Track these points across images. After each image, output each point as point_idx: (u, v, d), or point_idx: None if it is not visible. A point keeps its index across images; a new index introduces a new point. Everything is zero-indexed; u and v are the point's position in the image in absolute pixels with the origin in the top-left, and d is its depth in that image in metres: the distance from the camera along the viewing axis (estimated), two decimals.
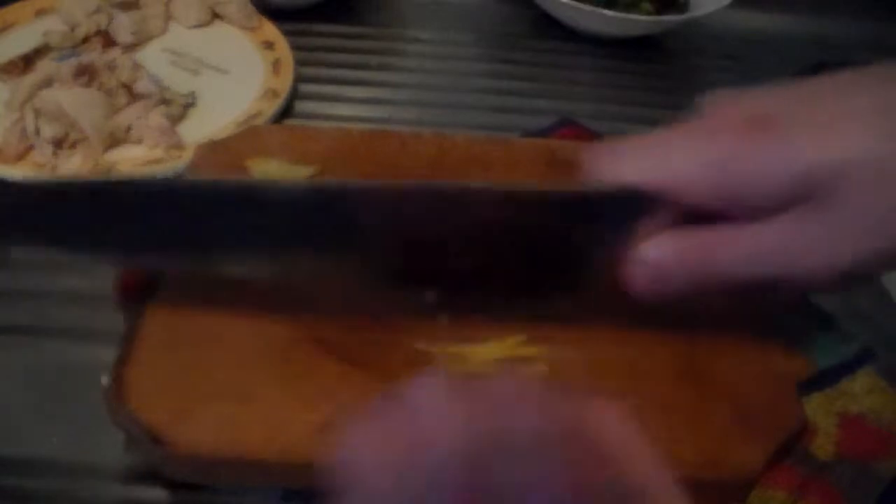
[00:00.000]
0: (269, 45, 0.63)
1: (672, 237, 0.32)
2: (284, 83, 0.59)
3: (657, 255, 0.32)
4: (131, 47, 0.61)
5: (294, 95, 0.60)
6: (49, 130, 0.51)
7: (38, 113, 0.51)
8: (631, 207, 0.32)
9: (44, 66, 0.57)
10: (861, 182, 0.29)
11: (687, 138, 0.31)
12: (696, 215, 0.32)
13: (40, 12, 0.64)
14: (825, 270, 0.31)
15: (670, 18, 0.67)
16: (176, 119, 0.55)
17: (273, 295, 0.40)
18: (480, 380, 0.25)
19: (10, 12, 0.63)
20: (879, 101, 0.31)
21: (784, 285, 0.32)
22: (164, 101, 0.55)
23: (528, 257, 0.35)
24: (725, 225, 0.32)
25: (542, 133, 0.55)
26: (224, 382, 0.36)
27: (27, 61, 0.58)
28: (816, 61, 0.72)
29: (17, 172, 0.50)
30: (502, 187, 0.33)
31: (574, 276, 0.35)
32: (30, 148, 0.51)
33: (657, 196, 0.31)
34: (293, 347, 0.37)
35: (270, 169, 0.46)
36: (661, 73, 0.68)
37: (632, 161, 0.32)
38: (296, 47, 0.63)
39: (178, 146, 0.53)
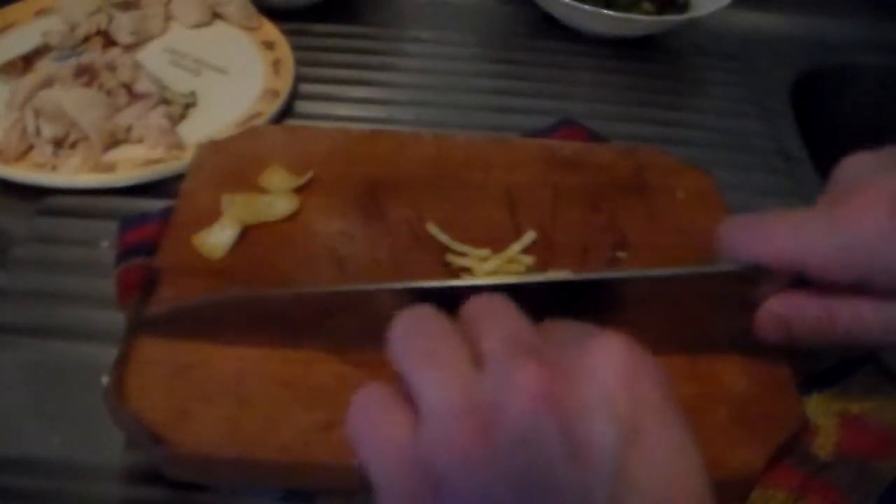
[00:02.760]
0: (269, 45, 0.63)
1: (799, 297, 0.33)
2: (284, 83, 0.59)
3: (782, 312, 0.33)
4: (131, 47, 0.61)
5: (294, 95, 0.60)
6: (49, 130, 0.51)
7: (38, 113, 0.51)
8: (759, 276, 0.33)
9: (44, 66, 0.58)
10: None
11: (828, 219, 0.31)
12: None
13: (40, 12, 0.64)
14: None
15: (670, 18, 0.67)
16: (176, 119, 0.55)
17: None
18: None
19: (10, 12, 0.63)
20: None
21: None
22: (164, 101, 0.55)
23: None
24: (854, 296, 0.32)
25: (542, 133, 0.55)
26: (224, 382, 0.36)
27: (27, 61, 0.58)
28: (816, 61, 0.72)
29: (17, 172, 0.50)
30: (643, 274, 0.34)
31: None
32: (30, 148, 0.51)
33: (787, 271, 0.32)
34: (293, 348, 0.37)
35: (274, 180, 0.46)
36: (661, 73, 0.68)
37: (767, 239, 0.32)
38: (296, 47, 0.63)
39: (178, 146, 0.53)
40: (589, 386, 0.23)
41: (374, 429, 0.24)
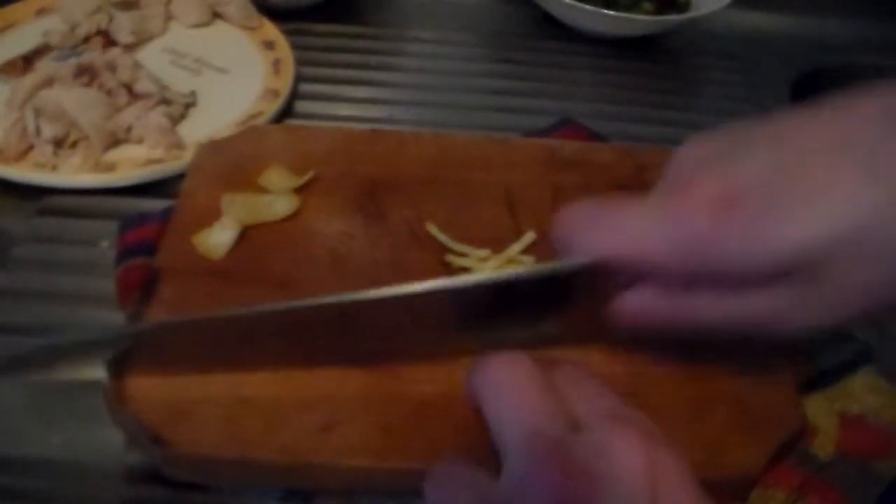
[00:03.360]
0: (269, 45, 0.63)
1: (642, 295, 0.33)
2: (284, 83, 0.59)
3: (628, 309, 0.34)
4: (131, 47, 0.61)
5: (294, 95, 0.60)
6: (49, 130, 0.51)
7: (38, 113, 0.51)
8: (605, 272, 0.33)
9: (44, 66, 0.57)
10: (841, 258, 0.29)
11: (654, 214, 0.31)
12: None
13: (40, 12, 0.64)
14: (806, 331, 0.32)
15: (670, 18, 0.67)
16: (176, 119, 0.55)
17: (275, 297, 0.40)
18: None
19: (10, 12, 0.63)
20: (860, 166, 0.29)
21: (763, 335, 0.33)
22: (165, 101, 0.55)
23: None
24: (704, 291, 0.32)
25: (542, 133, 0.55)
26: (224, 382, 0.36)
27: (27, 61, 0.58)
28: (816, 61, 0.72)
29: (17, 172, 0.50)
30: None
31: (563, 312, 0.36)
32: (30, 148, 0.51)
33: (627, 266, 0.32)
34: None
35: (274, 180, 0.46)
36: (661, 73, 0.68)
37: (599, 234, 0.32)
38: (296, 47, 0.63)
39: (179, 146, 0.53)
40: (607, 494, 0.25)
41: None
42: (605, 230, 0.32)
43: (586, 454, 0.26)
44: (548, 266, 0.34)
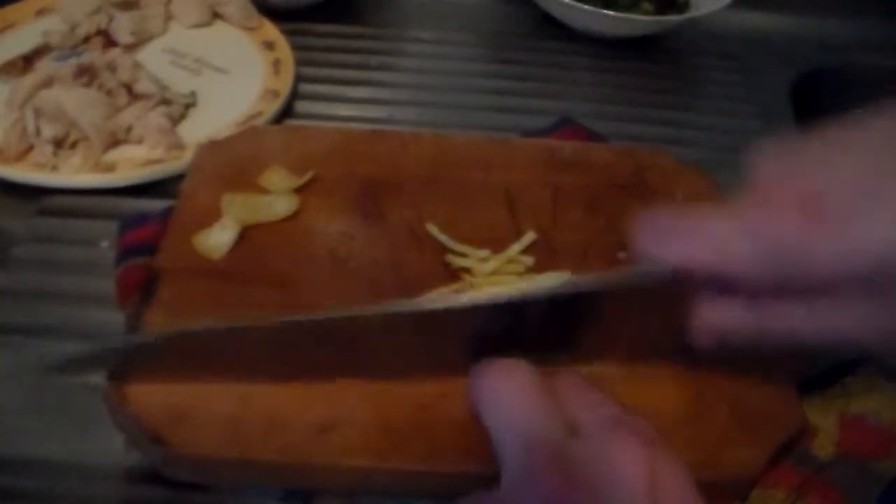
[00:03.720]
0: (269, 45, 0.63)
1: (729, 307, 0.32)
2: (284, 83, 0.59)
3: (715, 322, 0.33)
4: (131, 47, 0.61)
5: (294, 95, 0.60)
6: (49, 130, 0.51)
7: (38, 113, 0.51)
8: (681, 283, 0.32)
9: (44, 66, 0.57)
10: None
11: (739, 221, 0.30)
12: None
13: (40, 12, 0.64)
14: (885, 347, 0.31)
15: (670, 18, 0.67)
16: (176, 119, 0.55)
17: (275, 297, 0.40)
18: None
19: (10, 12, 0.63)
20: None
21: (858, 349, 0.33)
22: (165, 101, 0.55)
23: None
24: (782, 302, 0.31)
25: (542, 133, 0.55)
26: (224, 382, 0.36)
27: (27, 61, 0.58)
28: (816, 61, 0.72)
29: (17, 172, 0.50)
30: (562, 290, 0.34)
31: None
32: (30, 148, 0.51)
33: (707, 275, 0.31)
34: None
35: (274, 180, 0.46)
36: (661, 73, 0.68)
37: (681, 243, 0.31)
38: (296, 47, 0.63)
39: (178, 146, 0.53)
40: (612, 497, 0.25)
41: None
42: (688, 238, 0.31)
43: (586, 461, 0.26)
44: (624, 275, 0.33)
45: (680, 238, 0.31)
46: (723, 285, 0.31)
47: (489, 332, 0.34)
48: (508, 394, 0.29)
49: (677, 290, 0.32)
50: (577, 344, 0.36)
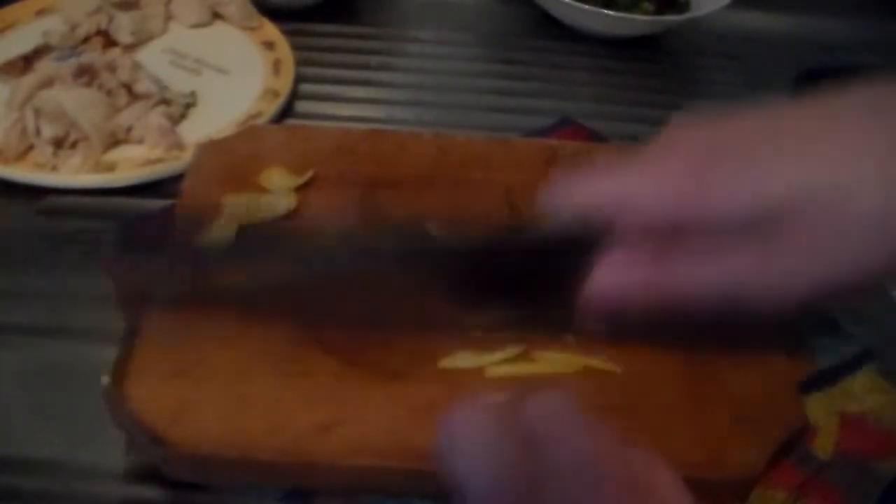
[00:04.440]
0: (269, 45, 0.63)
1: (628, 260, 0.33)
2: (284, 83, 0.59)
3: (612, 280, 0.33)
4: (131, 47, 0.61)
5: (294, 95, 0.60)
6: (49, 130, 0.51)
7: (38, 113, 0.51)
8: (588, 236, 0.33)
9: (44, 66, 0.57)
10: (812, 213, 0.29)
11: (643, 166, 0.32)
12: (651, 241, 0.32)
13: (40, 12, 0.64)
14: (781, 298, 0.31)
15: (670, 18, 0.67)
16: (176, 119, 0.55)
17: (275, 296, 0.40)
18: (514, 400, 0.26)
19: (10, 12, 0.63)
20: (846, 134, 0.30)
21: (744, 308, 0.32)
22: (165, 101, 0.55)
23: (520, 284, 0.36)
24: (678, 256, 0.32)
25: (542, 133, 0.55)
26: (224, 382, 0.36)
27: (27, 61, 0.58)
28: (816, 61, 0.72)
29: (17, 172, 0.50)
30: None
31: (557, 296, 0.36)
32: (30, 148, 0.51)
33: (611, 220, 0.32)
34: (293, 347, 0.37)
35: (274, 180, 0.46)
36: (661, 73, 0.67)
37: (587, 187, 0.33)
38: (296, 47, 0.63)
39: (178, 146, 0.53)
40: None
41: None
42: (591, 184, 0.32)
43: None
44: (532, 230, 0.34)
45: (587, 184, 0.33)
46: (621, 235, 0.32)
47: (469, 277, 0.35)
48: (471, 443, 0.27)
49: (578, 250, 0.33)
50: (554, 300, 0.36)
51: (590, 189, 0.32)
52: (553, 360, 0.38)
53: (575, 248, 0.33)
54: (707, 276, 0.32)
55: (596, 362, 0.38)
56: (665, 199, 0.31)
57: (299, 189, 0.46)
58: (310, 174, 0.46)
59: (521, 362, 0.38)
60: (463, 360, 0.38)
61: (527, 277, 0.35)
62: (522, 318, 0.36)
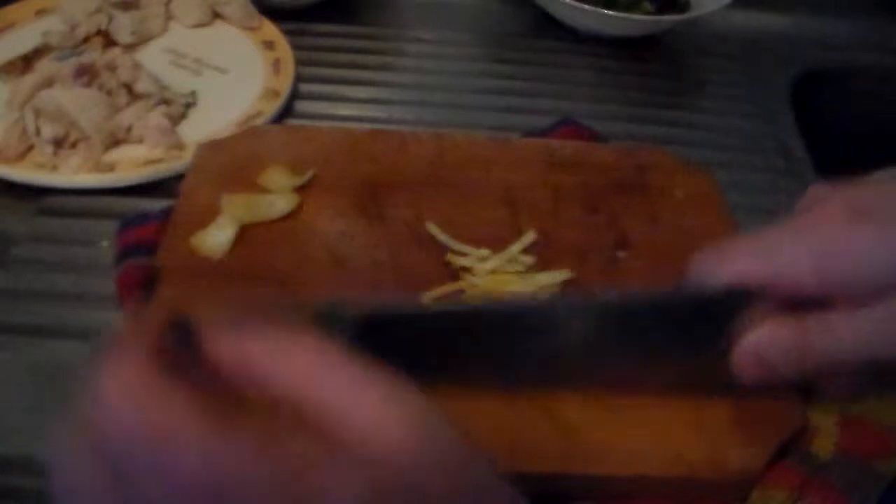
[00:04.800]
0: (269, 45, 0.63)
1: (771, 323, 0.33)
2: (284, 83, 0.59)
3: (756, 340, 0.33)
4: (131, 47, 0.61)
5: (294, 95, 0.60)
6: (49, 130, 0.51)
7: (38, 113, 0.51)
8: (736, 302, 0.33)
9: (44, 66, 0.57)
10: None
11: (792, 231, 0.32)
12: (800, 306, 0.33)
13: (40, 12, 0.64)
14: None
15: (670, 18, 0.67)
16: (176, 119, 0.55)
17: (274, 295, 0.40)
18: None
19: (10, 12, 0.63)
20: None
21: (889, 366, 0.33)
22: (165, 101, 0.55)
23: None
24: (825, 312, 0.32)
25: (542, 133, 0.55)
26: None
27: (27, 61, 0.58)
28: (816, 61, 0.72)
29: (17, 172, 0.50)
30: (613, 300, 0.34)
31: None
32: (30, 148, 0.51)
33: (762, 289, 0.32)
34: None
35: (273, 179, 0.46)
36: (661, 73, 0.68)
37: (738, 259, 0.33)
38: (296, 47, 0.63)
39: (179, 146, 0.53)
40: None
41: None
42: (740, 253, 0.33)
43: None
44: (683, 292, 0.34)
45: (732, 254, 0.33)
46: (772, 298, 0.32)
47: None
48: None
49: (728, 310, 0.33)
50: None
51: (738, 267, 0.33)
52: None
53: (724, 310, 0.33)
54: (847, 330, 0.32)
55: None
56: (815, 261, 0.31)
57: (299, 189, 0.46)
58: (310, 174, 0.46)
59: None
60: None
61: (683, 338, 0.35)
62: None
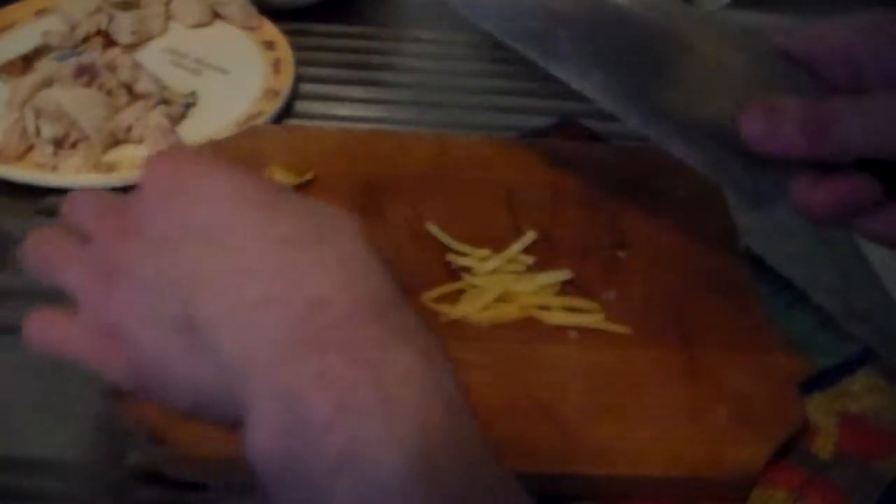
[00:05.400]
0: (269, 45, 0.63)
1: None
2: (285, 83, 0.59)
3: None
4: (131, 47, 0.61)
5: (294, 95, 0.60)
6: (49, 130, 0.51)
7: (38, 113, 0.51)
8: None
9: (44, 66, 0.57)
10: None
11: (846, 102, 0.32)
12: None
13: (40, 12, 0.64)
14: None
15: None
16: (176, 119, 0.55)
17: None
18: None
19: (10, 12, 0.63)
20: None
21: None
22: (165, 101, 0.55)
23: None
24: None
25: (542, 133, 0.55)
26: None
27: (27, 61, 0.58)
28: None
29: (17, 172, 0.50)
30: None
31: None
32: (30, 148, 0.51)
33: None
34: None
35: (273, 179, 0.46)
36: None
37: (789, 132, 0.32)
38: (296, 47, 0.63)
39: (179, 146, 0.53)
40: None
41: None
42: (794, 125, 0.32)
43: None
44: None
45: (784, 126, 0.32)
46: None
47: None
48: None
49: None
50: None
51: (788, 141, 0.32)
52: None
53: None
54: (867, 111, 0.32)
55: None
56: (862, 39, 0.32)
57: (299, 189, 0.46)
58: (309, 175, 0.46)
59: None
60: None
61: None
62: None
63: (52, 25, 0.62)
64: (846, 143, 0.32)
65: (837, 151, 0.32)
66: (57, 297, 0.44)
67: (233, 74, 0.60)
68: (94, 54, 0.58)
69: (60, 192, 0.50)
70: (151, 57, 0.61)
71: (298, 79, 0.61)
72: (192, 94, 0.57)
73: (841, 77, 0.33)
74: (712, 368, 0.38)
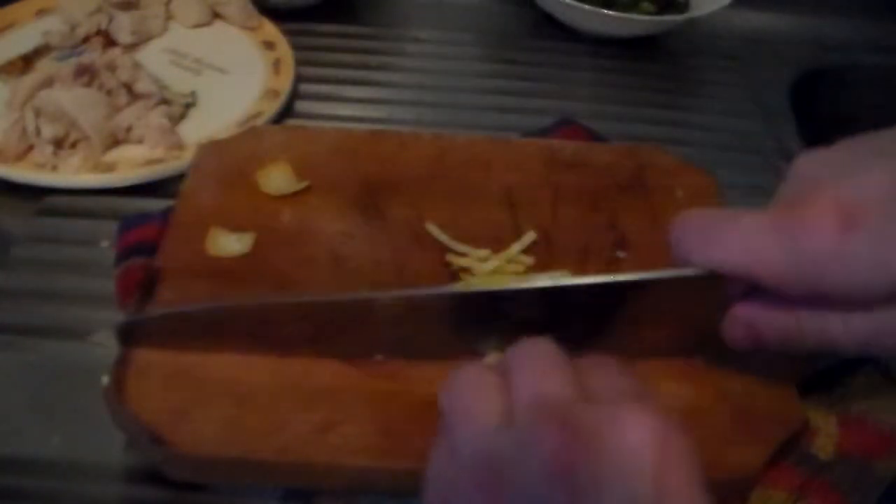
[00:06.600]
0: (269, 45, 0.63)
1: (765, 299, 0.32)
2: (285, 83, 0.59)
3: (749, 314, 0.33)
4: (131, 47, 0.61)
5: (294, 95, 0.60)
6: (49, 130, 0.51)
7: (38, 113, 0.51)
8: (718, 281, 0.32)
9: (44, 66, 0.58)
10: None
11: (778, 229, 0.30)
12: None
13: (40, 12, 0.64)
14: None
15: (670, 18, 0.67)
16: (176, 119, 0.55)
17: (274, 296, 0.40)
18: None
19: (10, 12, 0.63)
20: None
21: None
22: (165, 101, 0.55)
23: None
24: (815, 307, 0.31)
25: (542, 133, 0.55)
26: (223, 382, 0.36)
27: (27, 61, 0.58)
28: (816, 61, 0.72)
29: (17, 172, 0.50)
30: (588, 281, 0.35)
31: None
32: (30, 148, 0.51)
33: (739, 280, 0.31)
34: (293, 347, 0.37)
35: (273, 179, 0.46)
36: (661, 73, 0.68)
37: (720, 245, 0.31)
38: (296, 47, 0.63)
39: (179, 146, 0.53)
40: (609, 464, 0.24)
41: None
42: (722, 241, 0.31)
43: (594, 422, 0.25)
44: (657, 274, 0.34)
45: (714, 241, 0.31)
46: (759, 287, 0.31)
47: (527, 319, 0.35)
48: (530, 359, 0.28)
49: (713, 287, 0.32)
50: (608, 335, 0.36)
51: (718, 250, 0.31)
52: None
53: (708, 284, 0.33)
54: (837, 332, 0.31)
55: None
56: (800, 269, 0.29)
57: (299, 190, 0.46)
58: (304, 184, 0.46)
59: None
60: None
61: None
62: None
63: (52, 25, 0.62)
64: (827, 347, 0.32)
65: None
66: (57, 297, 0.44)
67: (233, 74, 0.60)
68: (94, 54, 0.58)
69: (60, 192, 0.50)
70: (151, 57, 0.61)
71: (298, 79, 0.61)
72: (192, 94, 0.57)
73: None
74: (712, 369, 0.38)
